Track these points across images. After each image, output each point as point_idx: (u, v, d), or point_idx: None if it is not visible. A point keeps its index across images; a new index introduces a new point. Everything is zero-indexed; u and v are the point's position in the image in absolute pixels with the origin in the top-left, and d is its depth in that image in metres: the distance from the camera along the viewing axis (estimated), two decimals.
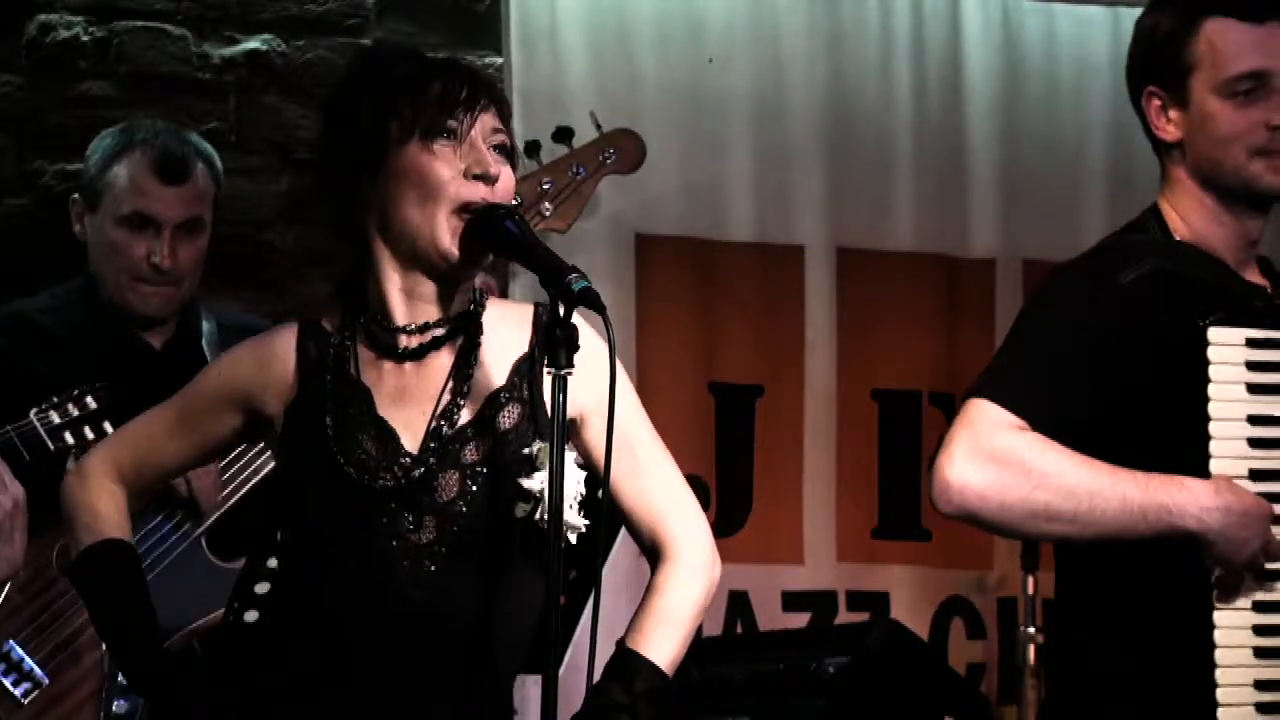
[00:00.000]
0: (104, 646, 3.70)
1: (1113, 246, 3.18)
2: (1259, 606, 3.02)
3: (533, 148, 4.34)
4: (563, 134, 4.40)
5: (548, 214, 4.29)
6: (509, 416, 2.79)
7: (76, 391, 3.69)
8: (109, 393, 3.70)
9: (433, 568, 2.73)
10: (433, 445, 2.76)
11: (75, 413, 3.67)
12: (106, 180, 4.01)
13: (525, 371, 2.82)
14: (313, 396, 2.80)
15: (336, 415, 2.77)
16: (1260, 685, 3.00)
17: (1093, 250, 3.18)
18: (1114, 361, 3.04)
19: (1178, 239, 3.15)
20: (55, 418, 3.67)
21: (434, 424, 2.78)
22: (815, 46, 5.05)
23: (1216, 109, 3.10)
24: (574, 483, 2.71)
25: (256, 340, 2.93)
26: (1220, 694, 2.99)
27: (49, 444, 3.67)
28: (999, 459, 2.97)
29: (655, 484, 2.86)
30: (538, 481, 2.71)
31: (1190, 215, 3.16)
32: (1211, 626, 3.00)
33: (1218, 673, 2.99)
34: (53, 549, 3.82)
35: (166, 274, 3.98)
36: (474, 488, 2.75)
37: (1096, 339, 3.05)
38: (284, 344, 2.86)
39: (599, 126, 4.42)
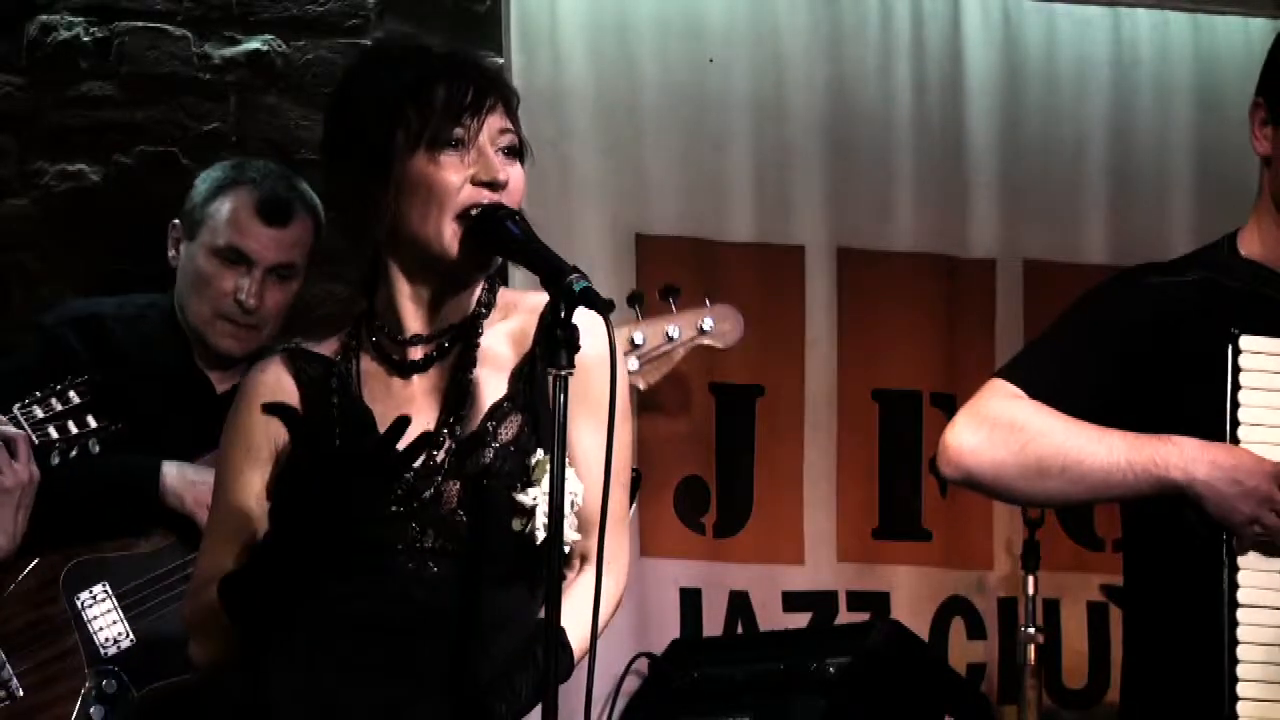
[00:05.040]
0: (84, 677, 3.71)
1: (1163, 261, 3.27)
2: None
3: (636, 299, 4.37)
4: (669, 292, 4.44)
5: (633, 369, 4.29)
6: (510, 427, 2.78)
7: (59, 385, 3.67)
8: (91, 387, 3.68)
9: (435, 569, 2.74)
10: (436, 457, 2.76)
11: (58, 407, 3.64)
12: (208, 211, 4.00)
13: (526, 375, 2.81)
14: (321, 418, 2.78)
15: (345, 436, 2.76)
16: None
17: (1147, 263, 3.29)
18: (1122, 350, 3.13)
19: (1243, 255, 3.18)
20: (39, 412, 3.65)
21: (438, 436, 2.76)
22: (815, 46, 5.05)
23: None
24: (570, 493, 2.70)
25: (240, 395, 2.86)
26: (1241, 688, 3.01)
27: (33, 439, 3.66)
28: (992, 421, 3.10)
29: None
30: (531, 496, 2.71)
31: (1264, 226, 3.19)
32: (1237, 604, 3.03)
33: (1239, 649, 3.01)
34: (63, 566, 3.81)
35: (250, 315, 3.96)
36: (475, 497, 2.74)
37: (1109, 326, 3.15)
38: (273, 378, 2.83)
39: (707, 298, 4.45)
